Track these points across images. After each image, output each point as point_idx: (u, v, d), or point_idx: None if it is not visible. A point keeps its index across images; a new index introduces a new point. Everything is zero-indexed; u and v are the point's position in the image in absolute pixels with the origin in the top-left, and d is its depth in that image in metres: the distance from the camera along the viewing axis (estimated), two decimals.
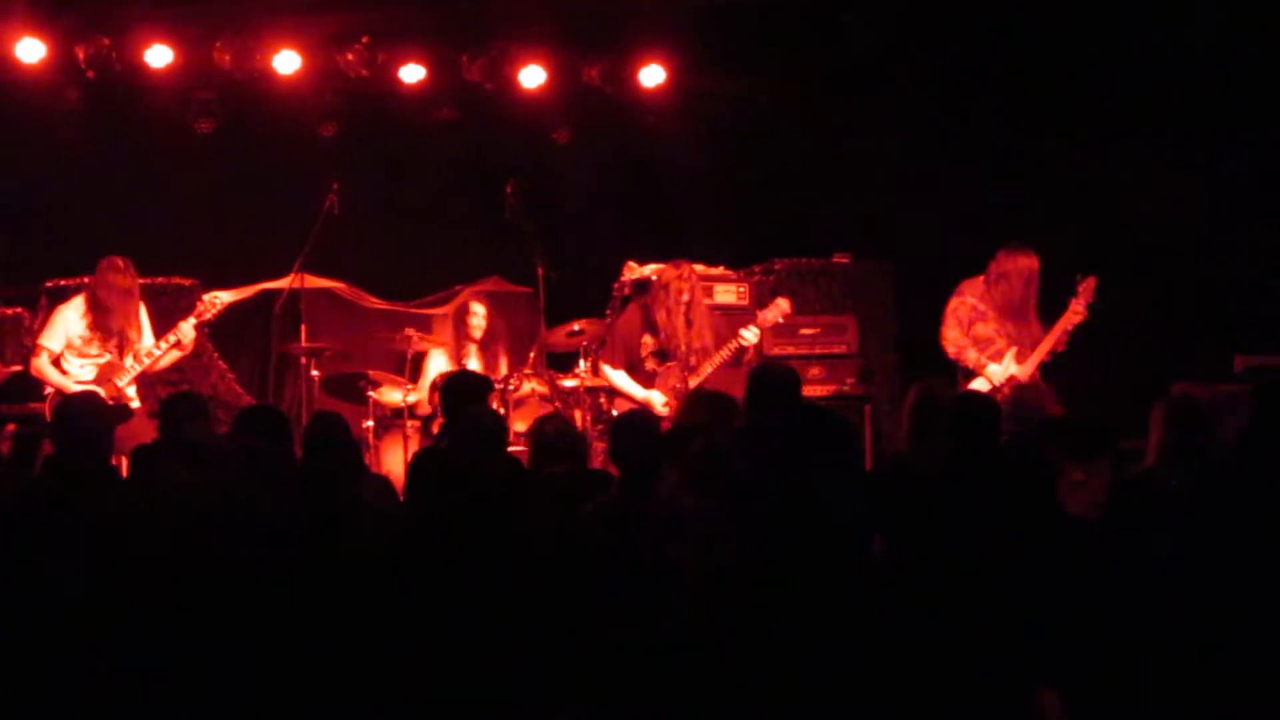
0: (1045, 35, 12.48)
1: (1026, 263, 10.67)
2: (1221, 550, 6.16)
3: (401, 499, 8.02)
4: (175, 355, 10.91)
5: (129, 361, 10.59)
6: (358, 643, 5.72)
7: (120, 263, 10.71)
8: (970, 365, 10.65)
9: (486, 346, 12.03)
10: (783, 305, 11.07)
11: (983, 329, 10.73)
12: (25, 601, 6.07)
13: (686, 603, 4.76)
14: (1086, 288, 10.60)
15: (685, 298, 10.83)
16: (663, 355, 10.88)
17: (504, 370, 11.79)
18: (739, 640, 4.39)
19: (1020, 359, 10.59)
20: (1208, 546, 6.19)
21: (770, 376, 8.14)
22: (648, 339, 10.88)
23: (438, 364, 11.84)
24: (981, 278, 10.84)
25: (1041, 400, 9.94)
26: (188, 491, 6.86)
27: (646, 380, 10.83)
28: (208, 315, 10.89)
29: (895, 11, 13.06)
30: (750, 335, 10.79)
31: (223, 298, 11.07)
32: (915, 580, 5.63)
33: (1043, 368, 10.64)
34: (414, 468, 7.99)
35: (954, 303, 10.85)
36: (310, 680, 5.63)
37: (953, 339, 10.76)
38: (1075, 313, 10.57)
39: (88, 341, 10.60)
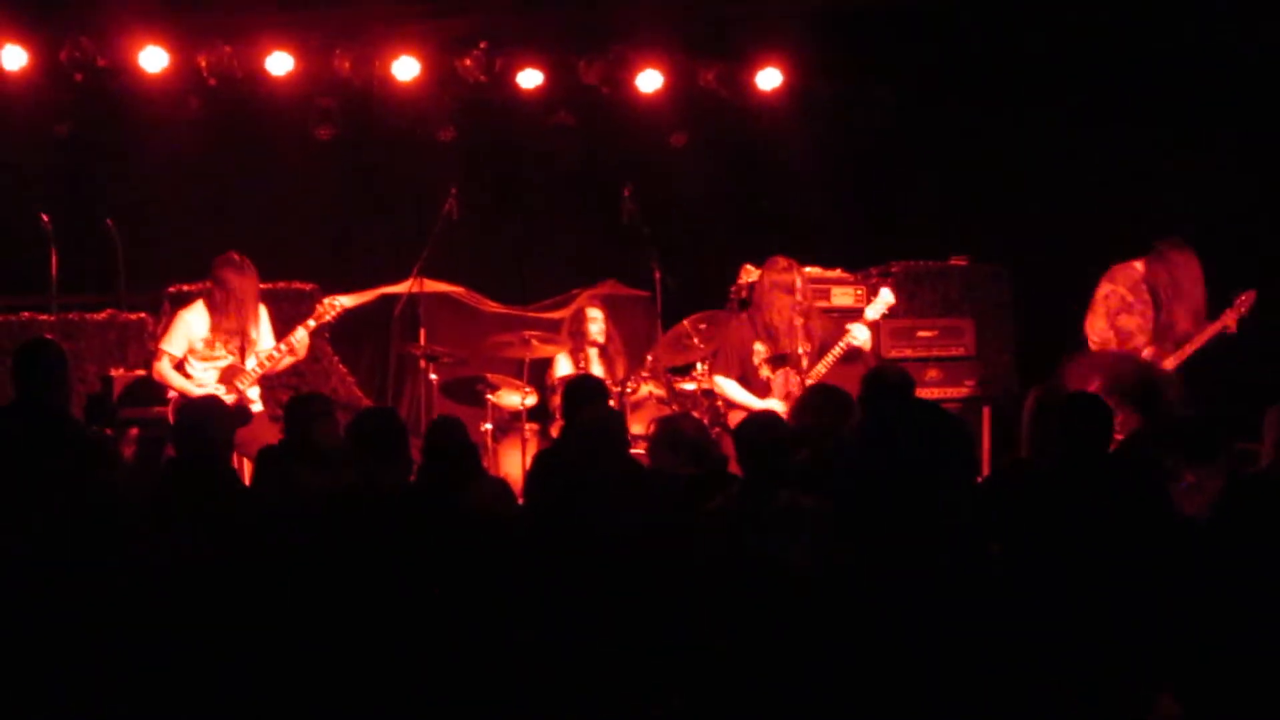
0: (1171, 37, 12.35)
1: (1186, 259, 10.55)
2: None
3: (520, 501, 8.04)
4: (290, 361, 10.94)
5: (250, 364, 10.62)
6: (474, 634, 5.76)
7: (236, 257, 10.71)
8: None
9: (605, 350, 12.06)
10: (886, 296, 10.90)
11: (1126, 321, 10.60)
12: (150, 601, 6.16)
13: (799, 601, 4.78)
14: (1244, 301, 10.47)
15: (798, 292, 10.72)
16: (777, 361, 10.79)
17: (621, 373, 11.80)
18: (852, 639, 4.39)
19: (1160, 355, 10.47)
20: None
21: (885, 378, 8.11)
22: (759, 346, 10.78)
23: (562, 368, 11.89)
24: (1136, 263, 10.69)
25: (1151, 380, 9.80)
26: (315, 493, 6.94)
27: (761, 390, 10.74)
28: (327, 318, 10.90)
29: (1013, 13, 12.98)
30: (861, 334, 10.64)
31: (342, 301, 11.11)
32: (1033, 584, 5.60)
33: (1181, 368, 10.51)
34: (533, 470, 8.03)
35: (1104, 290, 10.69)
36: (427, 670, 5.69)
37: (1098, 330, 10.61)
38: (1227, 326, 10.45)
39: (209, 345, 10.63)
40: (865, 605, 4.44)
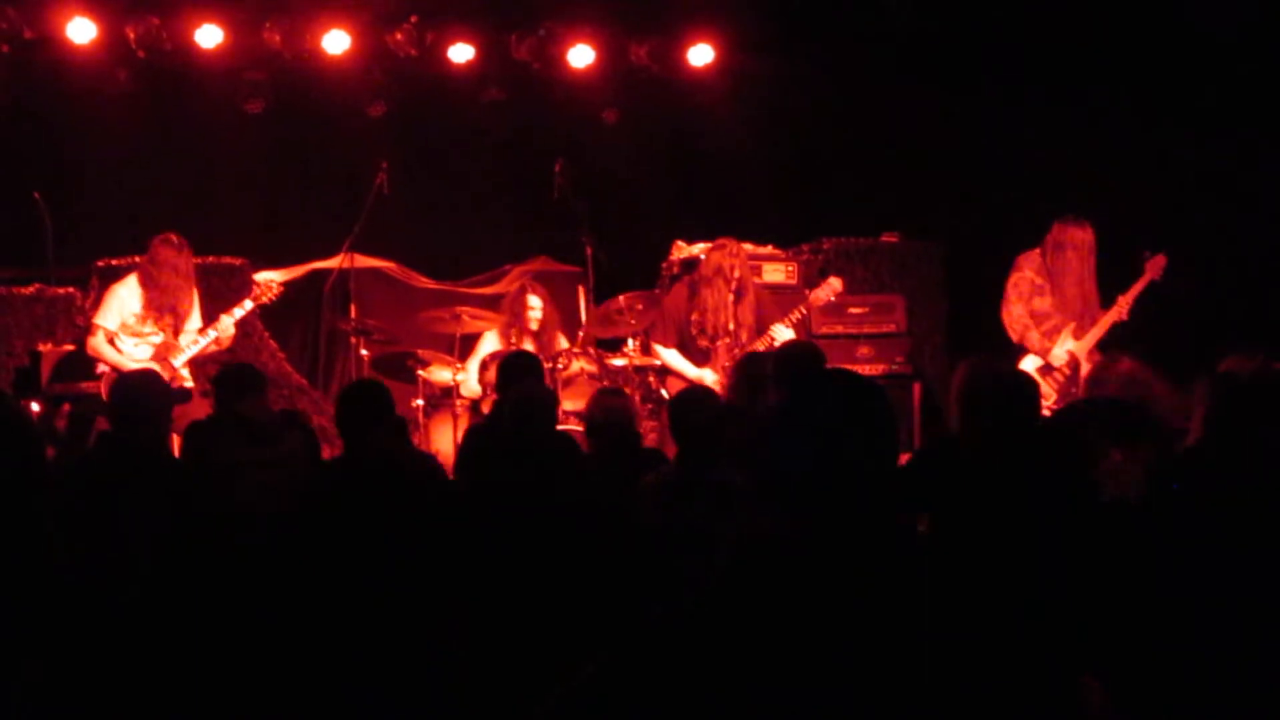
0: (1098, 10, 12.40)
1: (1082, 235, 10.59)
2: (1264, 531, 6.11)
3: (451, 477, 8.03)
4: (214, 350, 10.91)
5: (184, 341, 10.60)
6: (405, 604, 5.76)
7: (175, 239, 10.70)
8: (1033, 348, 10.55)
9: (540, 334, 12.01)
10: (834, 284, 11.07)
11: (1040, 304, 10.63)
12: (81, 576, 6.12)
13: (722, 573, 4.79)
14: (1154, 265, 10.55)
15: (737, 274, 10.79)
16: (711, 335, 10.84)
17: (555, 349, 11.77)
18: (769, 614, 4.40)
19: (1079, 334, 10.52)
20: (1250, 526, 6.15)
21: (795, 354, 8.18)
22: (696, 316, 10.86)
23: (489, 344, 11.85)
24: (1038, 250, 10.76)
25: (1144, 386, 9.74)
26: (241, 466, 6.92)
27: (700, 358, 10.82)
28: (264, 299, 10.91)
29: None
30: (782, 334, 10.73)
31: (275, 278, 11.08)
32: (957, 560, 5.62)
33: (1102, 344, 10.56)
34: (464, 445, 8.03)
35: (1013, 279, 10.74)
36: (356, 646, 5.68)
37: (1017, 317, 10.64)
38: (1119, 311, 10.54)
39: (141, 320, 10.60)
40: (790, 581, 4.44)
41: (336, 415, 7.39)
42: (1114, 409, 7.36)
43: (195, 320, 10.82)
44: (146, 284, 10.65)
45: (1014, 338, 10.67)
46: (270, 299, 10.93)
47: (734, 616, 4.36)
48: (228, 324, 10.72)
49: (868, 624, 4.30)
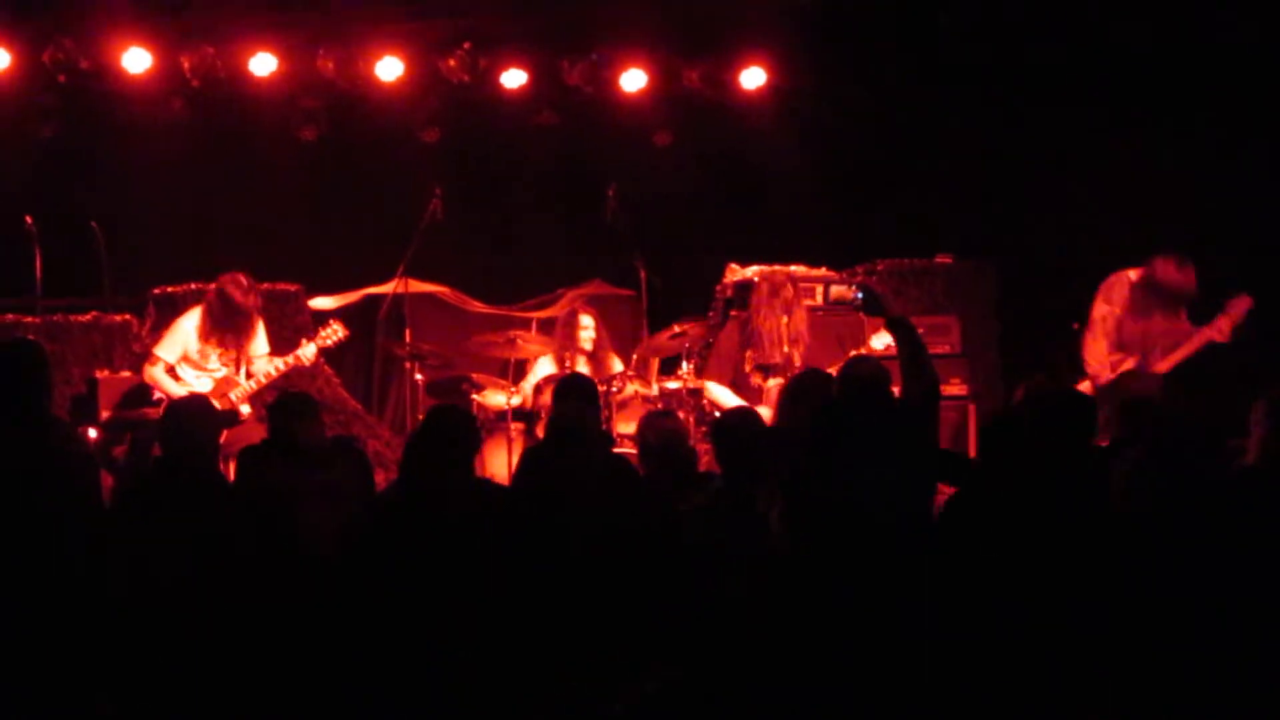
0: (1151, 33, 12.35)
1: (1175, 271, 10.42)
2: None
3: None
4: (294, 368, 11.03)
5: (243, 377, 10.71)
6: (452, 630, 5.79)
7: (244, 280, 10.78)
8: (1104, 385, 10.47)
9: (594, 355, 12.01)
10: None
11: (1120, 336, 10.57)
12: (131, 597, 6.16)
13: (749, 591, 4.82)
14: (1236, 308, 10.42)
15: (788, 294, 10.80)
16: (768, 369, 10.84)
17: (609, 373, 11.77)
18: (796, 633, 4.41)
19: (1150, 363, 10.42)
20: None
21: (860, 373, 8.11)
22: (750, 353, 10.88)
23: (544, 368, 11.86)
24: (1130, 272, 10.67)
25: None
26: (295, 491, 6.95)
27: (753, 396, 10.78)
28: (328, 343, 11.04)
29: (996, 10, 12.99)
30: (883, 339, 10.66)
31: (330, 304, 11.14)
32: (1010, 579, 5.59)
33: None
34: (520, 468, 8.05)
35: (1100, 310, 10.64)
36: (401, 666, 5.71)
37: (1095, 354, 10.55)
38: (1219, 331, 10.35)
39: (204, 355, 10.71)
40: (819, 602, 4.45)
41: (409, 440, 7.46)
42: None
43: (262, 347, 10.95)
44: (212, 321, 10.75)
45: (1089, 370, 10.59)
46: (333, 344, 11.06)
47: (763, 633, 4.37)
48: (310, 352, 10.96)
49: (898, 642, 4.30)
